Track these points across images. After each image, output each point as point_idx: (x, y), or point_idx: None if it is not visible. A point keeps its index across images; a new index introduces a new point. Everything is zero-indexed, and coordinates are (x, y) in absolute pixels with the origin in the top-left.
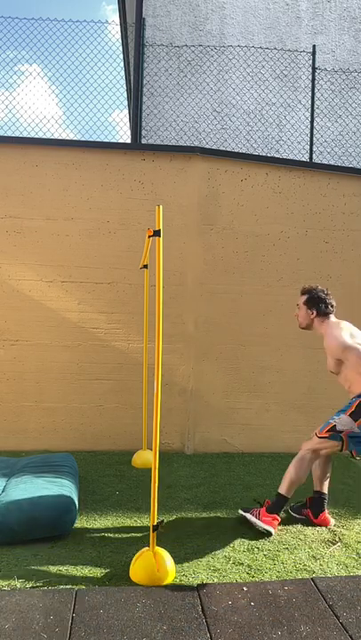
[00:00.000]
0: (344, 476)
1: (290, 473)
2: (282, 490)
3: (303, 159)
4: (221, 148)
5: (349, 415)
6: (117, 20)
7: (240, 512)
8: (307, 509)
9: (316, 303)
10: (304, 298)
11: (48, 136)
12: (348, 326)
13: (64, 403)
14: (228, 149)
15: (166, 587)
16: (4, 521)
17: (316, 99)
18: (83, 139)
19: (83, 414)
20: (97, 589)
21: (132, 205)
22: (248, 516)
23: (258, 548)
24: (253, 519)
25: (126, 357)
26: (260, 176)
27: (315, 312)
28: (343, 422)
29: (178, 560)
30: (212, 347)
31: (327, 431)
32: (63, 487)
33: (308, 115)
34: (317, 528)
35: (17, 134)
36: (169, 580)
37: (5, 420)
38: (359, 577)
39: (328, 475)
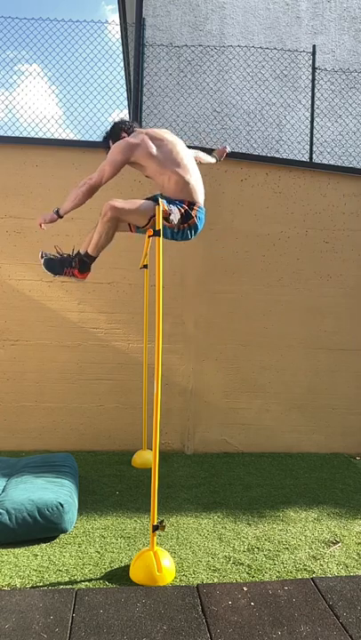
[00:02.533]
0: (344, 476)
1: (98, 235)
2: (90, 250)
3: (303, 159)
4: None
5: (180, 215)
6: (117, 20)
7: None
8: (73, 269)
9: (119, 129)
10: (109, 141)
11: (48, 136)
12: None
13: (64, 403)
14: None
15: (166, 587)
16: (4, 521)
17: (316, 99)
18: (83, 139)
19: (83, 414)
20: (97, 589)
21: None
22: (64, 275)
23: (258, 548)
24: (64, 276)
25: (126, 357)
26: (260, 176)
27: (124, 135)
28: (176, 215)
29: (178, 560)
30: (212, 347)
31: (165, 209)
32: (63, 487)
33: (308, 115)
34: (318, 528)
35: (17, 134)
36: (169, 580)
37: (5, 420)
38: (359, 577)
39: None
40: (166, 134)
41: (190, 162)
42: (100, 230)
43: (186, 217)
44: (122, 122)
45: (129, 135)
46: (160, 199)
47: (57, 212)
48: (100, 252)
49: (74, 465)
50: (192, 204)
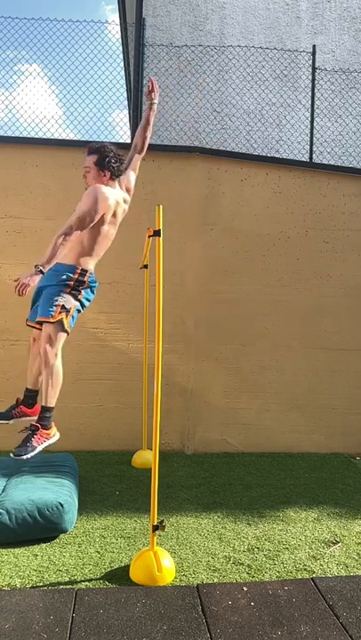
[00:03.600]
0: (344, 476)
1: (46, 382)
2: (44, 401)
3: (303, 159)
4: (221, 148)
5: (69, 293)
6: (117, 20)
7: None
8: (18, 407)
9: (109, 163)
10: (94, 157)
11: (48, 136)
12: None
13: (64, 403)
14: (228, 149)
15: (166, 587)
16: (4, 521)
17: (316, 99)
18: (83, 139)
19: (83, 414)
20: (97, 589)
21: (132, 205)
22: (38, 445)
23: (258, 548)
24: (40, 446)
25: (126, 357)
26: (260, 176)
27: (107, 173)
28: (68, 300)
29: (178, 560)
30: (212, 347)
31: (59, 312)
32: (63, 487)
33: (308, 115)
34: (318, 528)
35: (17, 134)
36: (169, 580)
37: None
38: (359, 577)
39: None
40: (118, 219)
41: (108, 244)
42: (46, 376)
43: (78, 285)
44: (115, 159)
45: (111, 179)
46: (49, 316)
47: (40, 270)
48: (57, 395)
49: (74, 465)
50: (84, 271)
